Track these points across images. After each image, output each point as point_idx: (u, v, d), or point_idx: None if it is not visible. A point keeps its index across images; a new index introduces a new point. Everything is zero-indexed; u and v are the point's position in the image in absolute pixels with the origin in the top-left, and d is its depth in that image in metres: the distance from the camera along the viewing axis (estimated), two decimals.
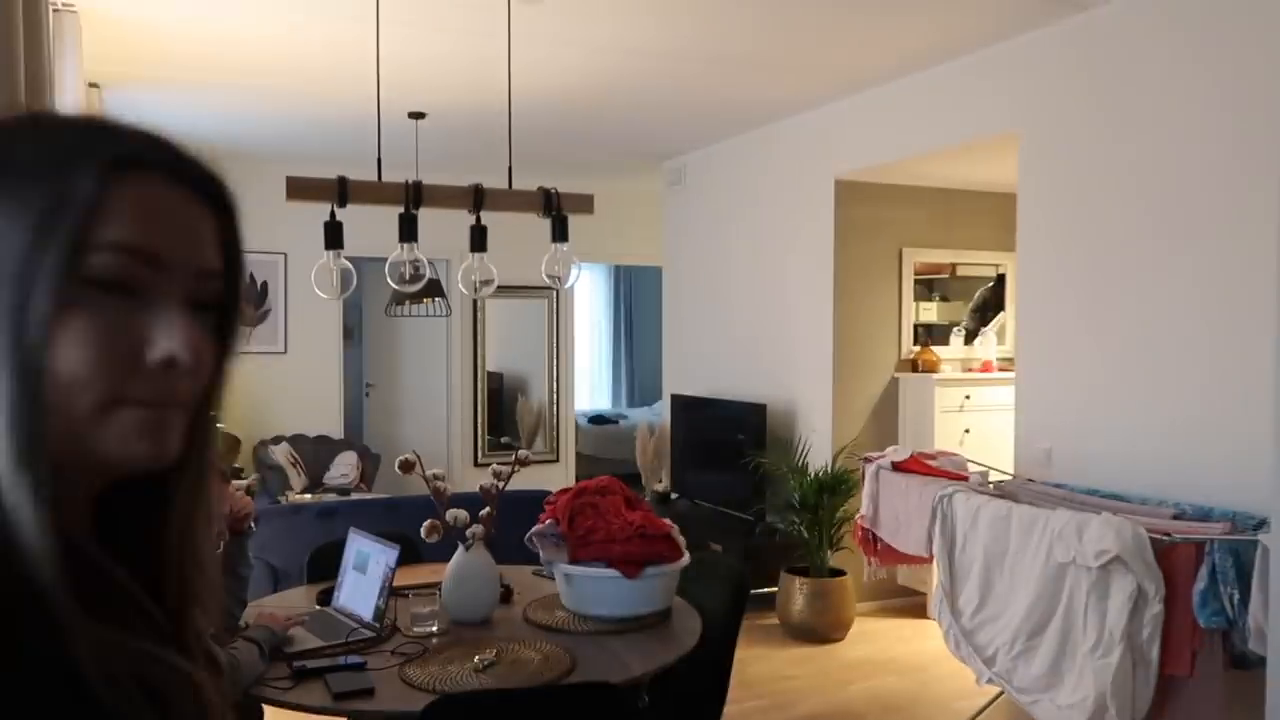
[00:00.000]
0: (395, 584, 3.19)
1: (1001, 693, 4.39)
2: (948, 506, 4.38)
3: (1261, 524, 3.57)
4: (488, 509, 3.35)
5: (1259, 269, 3.80)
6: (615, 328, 13.22)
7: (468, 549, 3.27)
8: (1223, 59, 3.98)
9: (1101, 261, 4.52)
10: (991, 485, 4.75)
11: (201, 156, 0.78)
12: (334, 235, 3.52)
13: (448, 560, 3.33)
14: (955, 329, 6.80)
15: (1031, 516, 3.99)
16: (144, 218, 0.73)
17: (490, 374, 9.86)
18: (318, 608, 3.38)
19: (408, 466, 3.34)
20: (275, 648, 2.89)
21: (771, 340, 7.01)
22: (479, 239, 3.68)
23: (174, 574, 0.82)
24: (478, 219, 3.64)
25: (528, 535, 3.34)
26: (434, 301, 8.16)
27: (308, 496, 7.18)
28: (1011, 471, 4.93)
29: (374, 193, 3.51)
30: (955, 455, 5.09)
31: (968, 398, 6.31)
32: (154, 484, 0.80)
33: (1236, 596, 3.37)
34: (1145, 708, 3.57)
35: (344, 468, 8.12)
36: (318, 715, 2.64)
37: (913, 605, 6.45)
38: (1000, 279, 6.90)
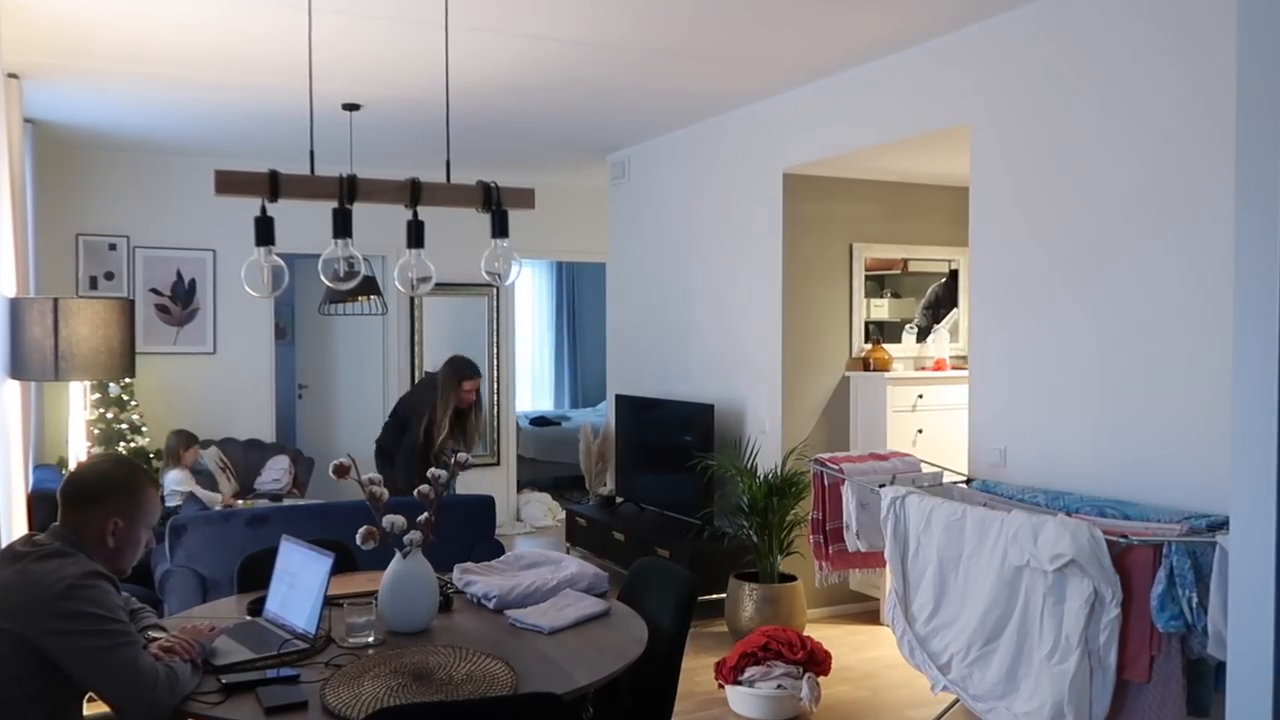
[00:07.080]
0: (330, 593, 3.10)
1: (956, 700, 4.33)
2: (900, 509, 4.30)
3: (1219, 525, 3.53)
4: (426, 515, 3.30)
5: (1216, 264, 3.76)
6: (558, 327, 13.07)
7: (405, 556, 3.22)
8: (1177, 48, 3.93)
9: (1056, 257, 4.46)
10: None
11: None
12: (265, 231, 3.41)
13: (384, 568, 3.25)
14: (907, 326, 6.73)
15: (986, 519, 3.93)
16: None
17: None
18: (248, 618, 3.29)
19: (342, 471, 3.27)
20: (204, 660, 2.81)
21: (719, 339, 6.90)
22: (416, 234, 3.59)
23: None
24: (415, 214, 3.55)
25: None
26: (369, 300, 7.98)
27: (238, 502, 6.98)
28: (966, 472, 4.86)
29: (306, 187, 3.41)
30: (908, 456, 5.02)
31: (920, 397, 6.24)
32: None
33: (1195, 599, 3.32)
34: (1103, 713, 3.53)
35: (276, 472, 7.94)
36: None
37: (865, 611, 6.39)
38: (953, 275, 6.85)
